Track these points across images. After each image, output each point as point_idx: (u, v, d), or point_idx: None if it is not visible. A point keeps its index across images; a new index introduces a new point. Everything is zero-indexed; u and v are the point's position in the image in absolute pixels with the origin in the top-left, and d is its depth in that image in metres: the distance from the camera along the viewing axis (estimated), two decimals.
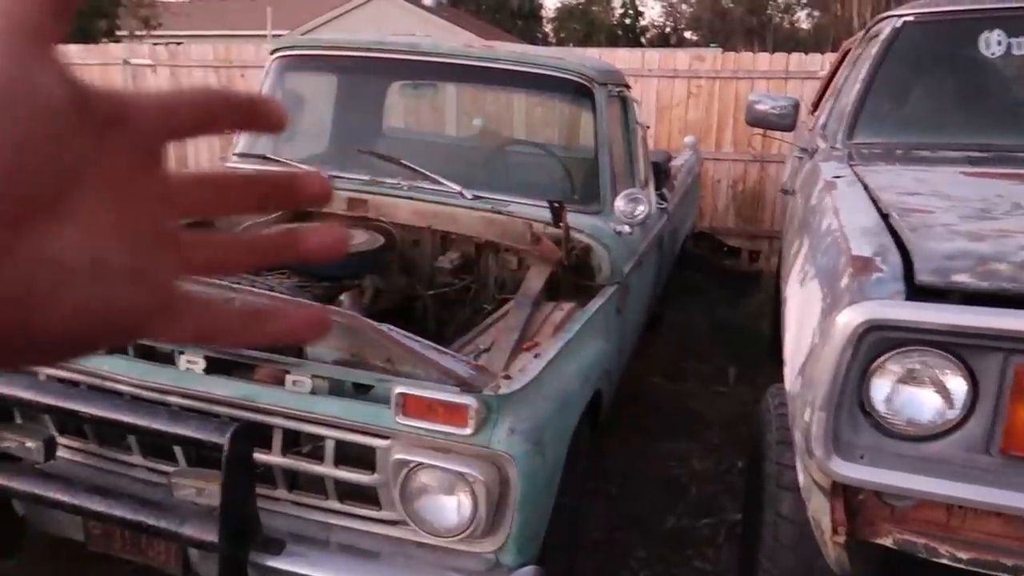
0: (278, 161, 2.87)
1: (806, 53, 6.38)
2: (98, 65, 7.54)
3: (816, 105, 3.87)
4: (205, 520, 1.67)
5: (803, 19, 36.09)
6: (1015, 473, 1.33)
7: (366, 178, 2.71)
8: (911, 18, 2.56)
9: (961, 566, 1.40)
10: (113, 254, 0.28)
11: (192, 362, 1.75)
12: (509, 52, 2.85)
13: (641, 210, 2.53)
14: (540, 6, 35.12)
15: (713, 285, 5.59)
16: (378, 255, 2.48)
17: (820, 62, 6.06)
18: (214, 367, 1.75)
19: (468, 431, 1.60)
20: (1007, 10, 2.40)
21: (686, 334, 4.77)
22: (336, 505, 1.78)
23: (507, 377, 1.75)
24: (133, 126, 0.28)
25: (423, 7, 16.66)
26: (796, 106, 2.89)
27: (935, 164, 2.17)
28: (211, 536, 1.65)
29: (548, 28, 39.46)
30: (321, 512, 1.79)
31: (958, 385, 1.33)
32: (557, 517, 1.87)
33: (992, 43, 2.41)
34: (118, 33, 13.14)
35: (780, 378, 2.09)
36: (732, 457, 3.29)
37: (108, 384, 1.80)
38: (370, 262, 2.42)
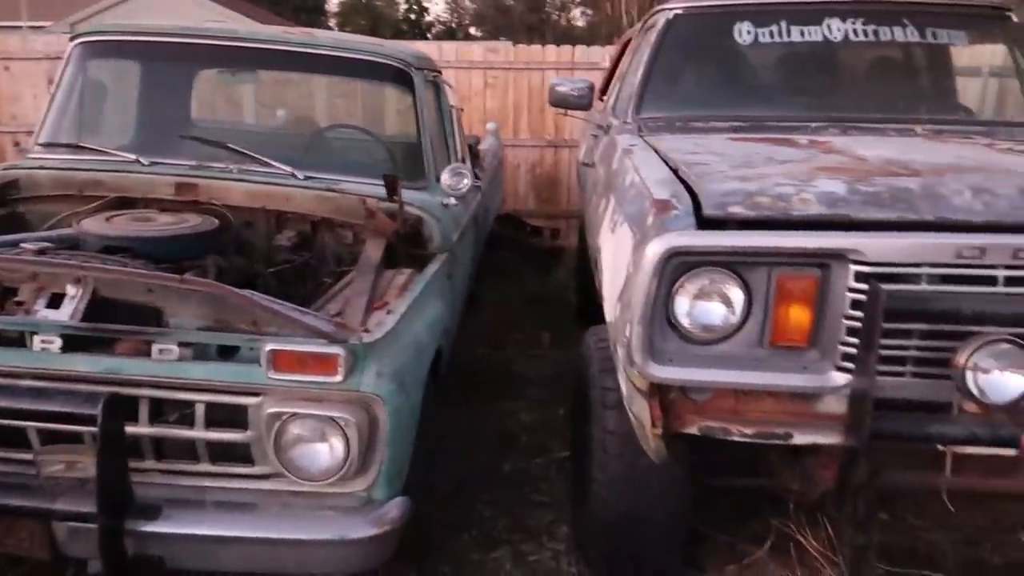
0: (91, 149, 2.79)
1: (588, 46, 6.97)
2: None
3: (604, 90, 4.33)
4: (78, 493, 1.69)
5: (578, 17, 38.29)
6: (781, 359, 1.72)
7: (193, 163, 2.73)
8: (680, 11, 3.02)
9: (748, 440, 1.77)
10: None
11: (47, 342, 1.75)
12: (329, 38, 2.98)
13: (466, 182, 2.77)
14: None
15: (521, 263, 5.98)
16: (215, 237, 2.52)
17: (600, 54, 6.66)
18: (72, 345, 1.76)
19: (339, 378, 1.76)
20: (752, 5, 2.91)
21: (502, 308, 5.10)
22: (209, 467, 1.85)
23: (366, 331, 1.92)
24: None
25: None
26: (591, 88, 3.28)
27: (707, 132, 2.61)
28: (87, 507, 1.67)
29: (332, 22, 38.73)
30: (194, 477, 1.86)
31: (737, 295, 1.69)
32: (415, 459, 2.06)
33: (743, 33, 2.91)
34: None
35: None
36: (554, 408, 3.64)
37: None
38: (209, 243, 2.46)
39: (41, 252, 1.96)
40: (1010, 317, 1.54)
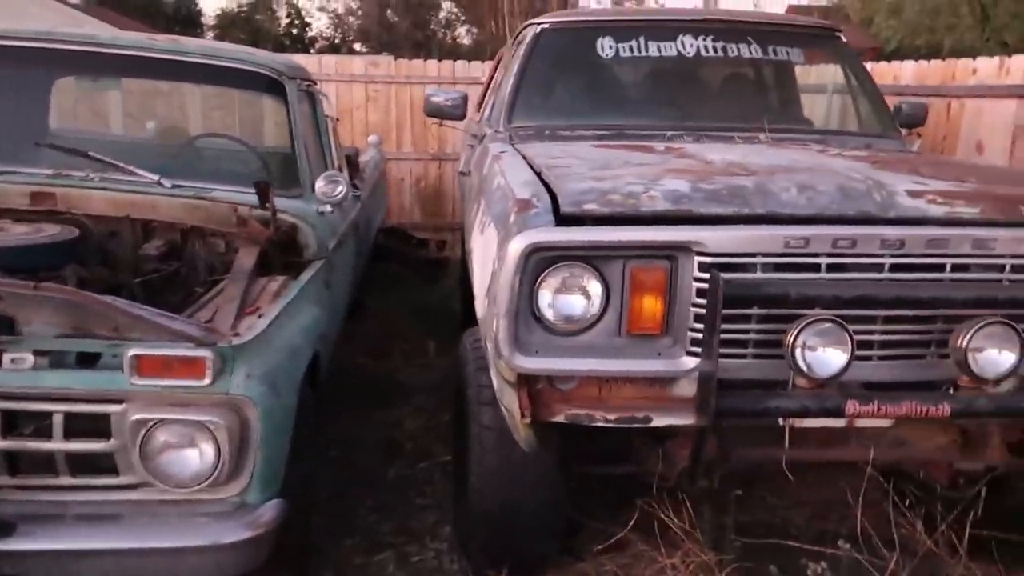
0: None
1: (469, 62, 7.10)
2: None
3: (480, 103, 4.44)
4: None
5: (463, 35, 38.67)
6: (638, 347, 1.84)
7: (50, 172, 2.62)
8: (547, 25, 3.16)
9: (612, 425, 1.87)
10: None
11: None
12: (197, 46, 2.93)
13: (341, 190, 2.79)
14: (199, 11, 33.07)
15: (407, 274, 6.00)
16: (75, 246, 2.43)
17: (481, 69, 6.79)
18: None
19: (206, 381, 1.74)
20: (611, 22, 3.09)
21: (387, 319, 5.09)
22: (69, 480, 1.79)
23: (236, 334, 1.91)
24: None
25: (68, 4, 14.93)
26: (464, 98, 3.38)
27: (573, 140, 2.75)
28: None
29: (210, 35, 37.49)
30: (53, 491, 1.79)
31: (595, 288, 1.80)
32: (293, 463, 2.06)
33: (605, 47, 3.08)
34: None
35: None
36: (439, 415, 3.68)
37: None
38: (68, 253, 2.37)
39: None
40: (831, 299, 1.71)
